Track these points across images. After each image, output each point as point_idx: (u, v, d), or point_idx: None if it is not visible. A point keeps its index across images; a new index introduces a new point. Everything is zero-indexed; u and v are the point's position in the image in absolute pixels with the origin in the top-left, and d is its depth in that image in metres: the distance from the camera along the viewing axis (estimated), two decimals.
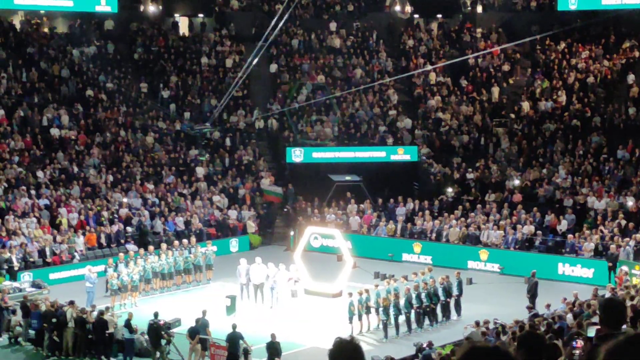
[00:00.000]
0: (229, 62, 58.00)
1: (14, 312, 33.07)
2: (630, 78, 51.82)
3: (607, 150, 47.60)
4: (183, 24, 61.85)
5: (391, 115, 54.11)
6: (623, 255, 39.02)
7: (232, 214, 48.74)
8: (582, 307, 28.59)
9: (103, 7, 56.22)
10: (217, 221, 47.85)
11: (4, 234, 41.11)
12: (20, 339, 32.50)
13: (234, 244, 47.42)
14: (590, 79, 52.83)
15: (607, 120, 49.76)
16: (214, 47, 59.24)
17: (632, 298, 25.68)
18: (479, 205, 46.06)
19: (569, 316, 28.00)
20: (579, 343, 13.43)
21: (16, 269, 39.31)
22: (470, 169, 49.13)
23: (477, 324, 28.19)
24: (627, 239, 39.84)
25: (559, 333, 23.54)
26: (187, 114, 54.79)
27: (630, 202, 43.01)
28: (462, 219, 45.06)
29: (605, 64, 53.77)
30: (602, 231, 41.42)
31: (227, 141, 53.92)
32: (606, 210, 43.03)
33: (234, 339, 28.66)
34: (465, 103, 54.36)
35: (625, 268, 36.99)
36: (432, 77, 56.31)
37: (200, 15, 61.80)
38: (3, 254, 39.33)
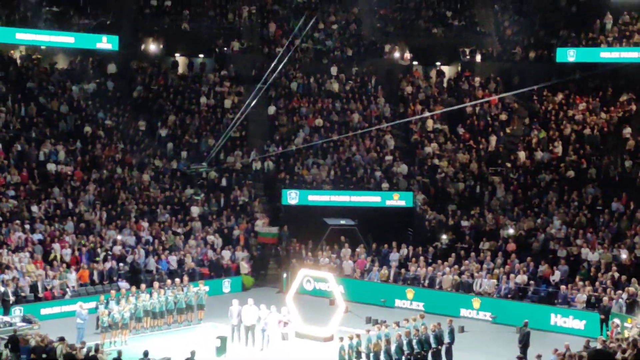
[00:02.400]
0: (227, 103, 58.19)
1: (6, 345, 32.89)
2: (627, 131, 52.07)
3: (602, 202, 47.75)
4: (183, 64, 62.13)
5: (387, 161, 54.25)
6: (616, 307, 38.96)
7: (226, 254, 48.64)
8: (572, 358, 28.53)
9: (104, 45, 56.54)
10: (211, 261, 47.74)
11: None
12: None
13: (226, 284, 47.29)
14: (587, 131, 53.07)
15: (603, 172, 49.93)
16: (213, 88, 59.46)
17: (623, 351, 25.63)
18: (472, 253, 46.04)
19: None
20: None
21: (11, 302, 39.19)
22: (465, 217, 49.19)
23: None
24: (620, 291, 39.79)
25: None
26: (184, 153, 54.88)
27: (623, 255, 43.04)
28: (456, 266, 45.01)
29: (602, 117, 54.05)
30: (595, 283, 41.39)
31: (223, 181, 53.96)
32: (600, 262, 43.04)
33: None
34: (462, 151, 54.52)
35: (617, 321, 36.91)
36: (430, 124, 56.52)
37: (201, 55, 62.11)
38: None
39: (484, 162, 53.41)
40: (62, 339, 31.54)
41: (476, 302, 42.76)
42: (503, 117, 56.89)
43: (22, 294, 40.48)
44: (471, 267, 44.65)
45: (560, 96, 56.61)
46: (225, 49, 62.16)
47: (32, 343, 31.70)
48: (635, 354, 24.42)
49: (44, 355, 30.85)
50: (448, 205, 50.64)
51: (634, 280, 40.41)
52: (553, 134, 53.82)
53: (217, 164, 54.09)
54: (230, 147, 54.82)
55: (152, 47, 61.14)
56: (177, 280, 41.76)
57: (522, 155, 52.88)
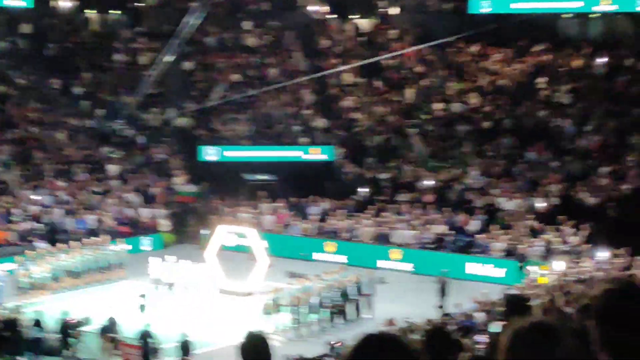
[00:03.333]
0: (143, 59, 57.56)
1: None
2: (541, 81, 52.68)
3: (517, 152, 48.39)
4: (96, 20, 61.22)
5: (305, 115, 54.27)
6: (532, 255, 39.67)
7: (145, 212, 48.39)
8: (492, 306, 29.08)
9: (15, 2, 55.45)
10: (130, 219, 47.47)
11: None
12: None
13: (146, 242, 47.06)
14: (502, 81, 53.62)
15: (518, 123, 50.55)
16: (127, 44, 58.75)
17: (539, 297, 26.18)
18: (391, 205, 46.41)
19: (480, 315, 28.47)
20: (484, 338, 13.68)
21: None
22: (383, 169, 49.52)
23: (390, 322, 28.45)
24: (535, 239, 40.54)
25: (469, 331, 23.92)
26: (100, 111, 54.25)
27: (539, 203, 43.74)
28: (375, 218, 45.39)
29: (517, 67, 54.61)
30: (511, 231, 42.08)
31: (141, 139, 53.52)
32: (516, 210, 43.71)
33: (145, 336, 28.55)
34: (379, 104, 54.74)
35: (533, 268, 37.63)
36: (346, 77, 56.58)
37: (114, 11, 61.24)
38: None
39: (401, 114, 53.69)
40: None
41: (395, 253, 43.19)
42: (419, 69, 57.16)
43: None
44: (390, 219, 45.04)
45: (475, 47, 57.03)
46: (139, 4, 61.39)
47: None
48: (549, 299, 24.97)
49: None
50: (366, 158, 50.89)
51: (549, 227, 41.19)
52: (469, 85, 54.30)
53: (134, 121, 53.61)
54: (146, 104, 54.32)
55: (65, 3, 60.12)
56: (96, 239, 41.47)
57: (438, 106, 53.26)
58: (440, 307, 32.12)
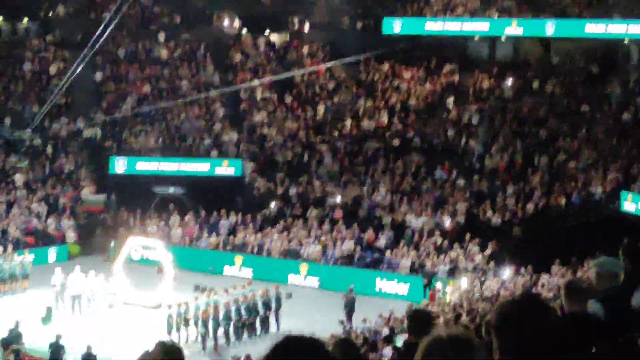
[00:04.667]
0: (53, 69, 56.88)
1: None
2: (450, 101, 53.42)
3: (425, 170, 48.96)
4: (6, 28, 60.30)
5: (216, 129, 54.17)
6: (439, 272, 40.16)
7: (52, 223, 47.79)
8: (397, 322, 29.39)
9: None
10: (36, 230, 46.83)
11: None
12: None
13: (52, 253, 46.45)
14: (412, 101, 54.24)
15: (426, 141, 51.15)
16: (37, 53, 58.02)
17: (444, 314, 26.51)
18: (300, 221, 46.57)
19: (385, 330, 28.74)
20: (389, 351, 13.86)
21: None
22: (293, 184, 49.68)
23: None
24: (442, 256, 41.07)
25: (374, 347, 24.11)
26: (7, 120, 53.44)
27: (446, 221, 44.30)
28: (284, 233, 45.51)
29: (427, 87, 55.29)
30: (419, 248, 42.54)
31: (49, 149, 52.86)
32: (423, 228, 44.21)
33: (57, 349, 28.20)
34: (290, 119, 54.92)
35: (439, 285, 38.08)
36: (259, 92, 56.64)
37: (25, 19, 60.41)
38: None
39: (312, 130, 53.94)
40: None
41: (304, 268, 43.33)
42: (331, 86, 57.50)
43: None
44: (299, 234, 45.19)
45: (386, 66, 57.55)
46: (51, 13, 60.70)
47: None
48: (454, 316, 25.30)
49: None
50: (277, 173, 50.99)
51: (455, 245, 41.75)
52: (379, 103, 54.80)
53: (42, 130, 52.93)
54: (55, 114, 53.70)
55: None
56: (1, 249, 40.85)
57: (349, 124, 53.62)
58: (342, 322, 32.28)
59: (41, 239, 46.65)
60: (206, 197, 49.61)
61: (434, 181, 48.10)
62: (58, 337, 28.57)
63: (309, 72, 56.71)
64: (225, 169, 50.90)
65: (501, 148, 48.97)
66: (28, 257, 40.88)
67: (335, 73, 58.33)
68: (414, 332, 7.65)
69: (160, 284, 38.30)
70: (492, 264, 40.26)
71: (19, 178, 49.94)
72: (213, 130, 54.17)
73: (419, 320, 7.88)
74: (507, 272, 38.81)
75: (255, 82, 55.61)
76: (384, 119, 53.44)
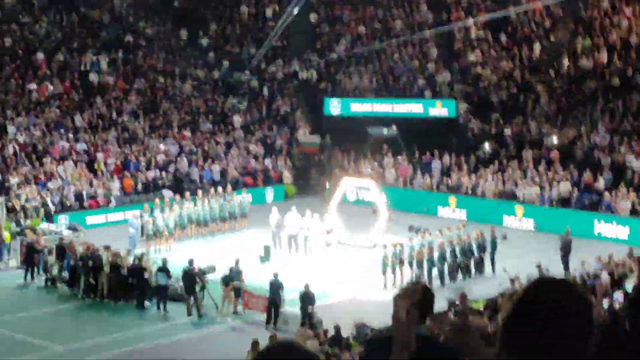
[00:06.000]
0: (269, 12, 57.77)
1: (50, 252, 33.39)
2: None
3: None
4: None
5: (430, 69, 53.77)
6: None
7: (268, 163, 48.81)
8: (617, 266, 28.55)
9: None
10: (254, 170, 47.94)
11: (42, 176, 41.49)
12: (57, 281, 32.82)
13: (269, 193, 47.50)
14: (633, 38, 52.18)
15: None
16: None
17: None
18: (515, 162, 45.79)
19: (604, 274, 27.97)
20: (619, 295, 13.42)
21: (52, 212, 39.60)
22: (508, 125, 48.83)
23: (513, 280, 28.10)
24: None
25: (593, 291, 23.52)
26: (225, 62, 54.76)
27: None
28: (499, 174, 44.88)
29: None
30: (638, 191, 41.13)
31: (265, 91, 53.87)
32: None
33: (276, 286, 28.81)
34: (505, 59, 53.86)
35: None
36: (473, 31, 55.76)
37: None
38: (39, 198, 39.66)
39: (527, 70, 52.76)
40: (107, 247, 32.01)
41: (519, 210, 42.66)
42: (547, 23, 56.00)
43: (68, 203, 40.91)
44: (514, 176, 44.48)
45: (606, 2, 55.54)
46: None
47: (80, 250, 32.18)
48: None
49: (90, 263, 31.33)
50: (491, 114, 50.23)
51: None
52: (598, 41, 53.00)
53: (259, 73, 53.94)
54: (271, 56, 54.59)
55: None
56: (221, 189, 42.04)
57: (566, 62, 52.15)
58: (539, 265, 31.03)
59: (259, 179, 47.70)
60: (420, 138, 49.42)
61: None
62: (276, 275, 29.17)
63: (525, 9, 55.31)
64: (439, 109, 50.53)
65: None
66: (246, 196, 41.88)
67: (552, 10, 56.70)
68: None
69: (374, 224, 38.50)
70: None
71: (237, 119, 51.15)
72: (426, 70, 53.80)
73: None
74: None
75: (470, 20, 54.75)
76: (603, 57, 51.66)
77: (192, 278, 29.85)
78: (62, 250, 32.84)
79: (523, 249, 37.73)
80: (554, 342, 3.09)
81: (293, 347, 3.17)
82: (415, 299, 3.87)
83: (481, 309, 22.86)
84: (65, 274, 32.38)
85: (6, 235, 35.56)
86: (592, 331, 3.09)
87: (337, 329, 24.29)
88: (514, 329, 3.17)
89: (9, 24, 51.17)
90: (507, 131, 48.43)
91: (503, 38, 55.07)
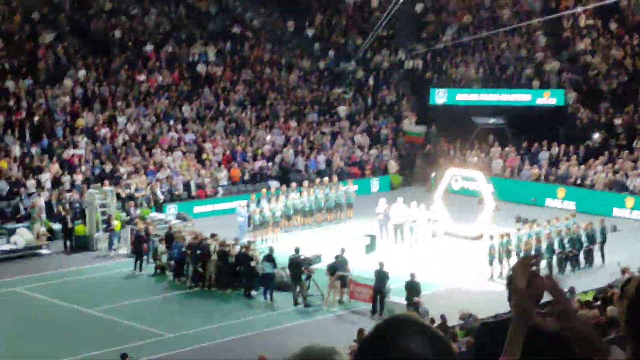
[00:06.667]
0: (374, 1, 57.65)
1: (161, 240, 33.91)
2: None
3: None
4: None
5: (538, 58, 53.01)
6: None
7: (374, 153, 48.76)
8: None
9: None
10: (360, 160, 47.94)
11: (151, 166, 42.16)
12: (166, 269, 33.33)
13: (374, 183, 47.46)
14: None
15: None
16: None
17: None
18: (626, 152, 44.91)
19: None
20: None
21: (161, 201, 40.20)
22: (618, 114, 47.89)
23: (623, 271, 27.57)
24: None
25: None
26: (331, 52, 54.87)
27: None
28: (609, 164, 44.07)
29: None
30: None
31: (371, 80, 53.82)
32: None
33: (382, 276, 28.82)
34: (615, 47, 52.81)
35: None
36: (582, 19, 54.79)
37: None
38: (148, 187, 40.30)
39: (638, 58, 51.64)
40: (214, 236, 32.37)
41: (630, 201, 41.84)
42: None
43: (176, 193, 41.48)
44: (625, 166, 43.63)
45: None
46: None
47: (187, 239, 32.60)
48: None
49: (198, 251, 31.73)
50: (601, 103, 49.32)
51: None
52: None
53: (365, 62, 53.88)
54: (377, 46, 54.50)
55: None
56: (326, 179, 42.14)
57: None
58: (619, 263, 30.23)
59: (364, 169, 47.69)
60: (527, 128, 48.83)
61: None
62: (381, 264, 29.13)
63: None
64: (547, 99, 49.83)
65: None
66: (352, 187, 41.90)
67: None
68: None
69: (480, 214, 38.19)
70: None
71: (342, 109, 51.20)
72: (534, 59, 53.04)
73: None
74: None
75: (579, 8, 53.81)
76: None
77: (299, 267, 30.02)
78: (171, 239, 33.32)
79: (634, 240, 36.98)
80: None
81: (410, 320, 3.08)
82: (536, 270, 3.81)
83: (590, 299, 22.45)
84: (172, 263, 32.84)
85: (116, 224, 36.23)
86: None
87: (444, 318, 24.16)
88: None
89: (119, 16, 52.06)
90: (618, 121, 47.51)
91: (613, 25, 53.95)
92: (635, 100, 48.65)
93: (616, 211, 41.84)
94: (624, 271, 27.43)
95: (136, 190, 39.77)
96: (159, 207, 39.59)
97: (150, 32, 51.94)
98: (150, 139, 44.45)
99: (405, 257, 34.43)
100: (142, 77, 48.32)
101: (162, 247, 33.60)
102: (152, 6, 53.54)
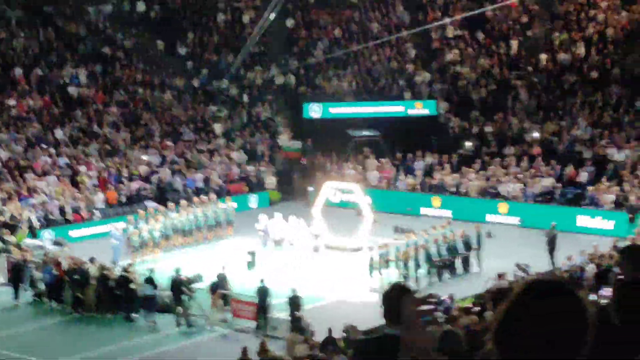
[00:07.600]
0: (245, 18, 57.79)
1: (37, 268, 33.29)
2: None
3: (627, 102, 47.27)
4: None
5: (409, 70, 53.85)
6: None
7: (251, 170, 48.81)
8: (601, 258, 28.66)
9: None
10: (237, 177, 47.93)
11: (24, 191, 41.37)
12: (44, 296, 32.74)
13: (253, 200, 47.49)
14: (610, 31, 52.34)
15: (626, 72, 49.35)
16: (230, 3, 59.00)
17: None
18: (497, 159, 45.92)
19: (589, 267, 28.08)
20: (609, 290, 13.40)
21: (38, 227, 39.48)
22: (488, 122, 48.94)
23: (499, 277, 28.19)
24: None
25: (579, 284, 23.58)
26: (204, 71, 54.77)
27: None
28: (481, 172, 45.00)
29: (624, 15, 53.21)
30: (621, 183, 41.28)
31: (245, 97, 53.89)
32: (626, 161, 42.84)
33: (263, 292, 28.84)
34: (483, 56, 53.97)
35: None
36: (450, 30, 55.86)
37: None
38: (23, 213, 39.53)
39: (506, 66, 52.88)
40: (92, 260, 31.96)
41: (503, 207, 42.79)
42: (524, 19, 56.13)
43: (52, 217, 40.79)
44: (497, 173, 44.61)
45: None
46: None
47: (65, 265, 32.11)
48: None
49: (76, 277, 31.24)
50: (471, 112, 50.33)
51: None
52: (575, 35, 53.14)
53: (238, 80, 53.94)
54: (249, 63, 54.61)
55: None
56: (204, 197, 42.00)
57: (544, 58, 52.27)
58: (519, 265, 31.24)
59: (242, 186, 47.68)
60: (401, 139, 49.58)
61: (637, 113, 46.39)
62: (262, 281, 29.18)
63: (501, 6, 55.44)
64: (419, 109, 50.63)
65: None
66: (231, 204, 41.85)
67: (528, 6, 56.84)
68: (634, 268, 7.29)
69: (359, 226, 38.54)
70: None
71: (218, 127, 51.15)
72: (405, 70, 53.87)
73: (635, 255, 7.51)
74: None
75: (446, 19, 54.85)
76: (581, 51, 51.82)
77: (180, 287, 29.83)
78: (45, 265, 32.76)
79: (509, 245, 37.74)
80: (548, 341, 3.07)
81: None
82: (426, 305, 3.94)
83: (470, 305, 22.87)
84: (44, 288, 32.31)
85: None
86: (586, 330, 3.05)
87: (330, 332, 24.26)
88: (507, 330, 3.13)
89: None
90: (488, 128, 48.58)
91: (480, 36, 55.16)
92: (504, 108, 49.77)
93: (490, 217, 42.71)
94: (500, 276, 28.07)
95: (11, 217, 38.95)
96: (34, 233, 38.86)
97: (19, 56, 51.02)
98: (23, 163, 43.62)
99: (287, 272, 34.47)
100: (12, 102, 47.41)
101: (38, 274, 32.98)
102: (20, 29, 52.61)
